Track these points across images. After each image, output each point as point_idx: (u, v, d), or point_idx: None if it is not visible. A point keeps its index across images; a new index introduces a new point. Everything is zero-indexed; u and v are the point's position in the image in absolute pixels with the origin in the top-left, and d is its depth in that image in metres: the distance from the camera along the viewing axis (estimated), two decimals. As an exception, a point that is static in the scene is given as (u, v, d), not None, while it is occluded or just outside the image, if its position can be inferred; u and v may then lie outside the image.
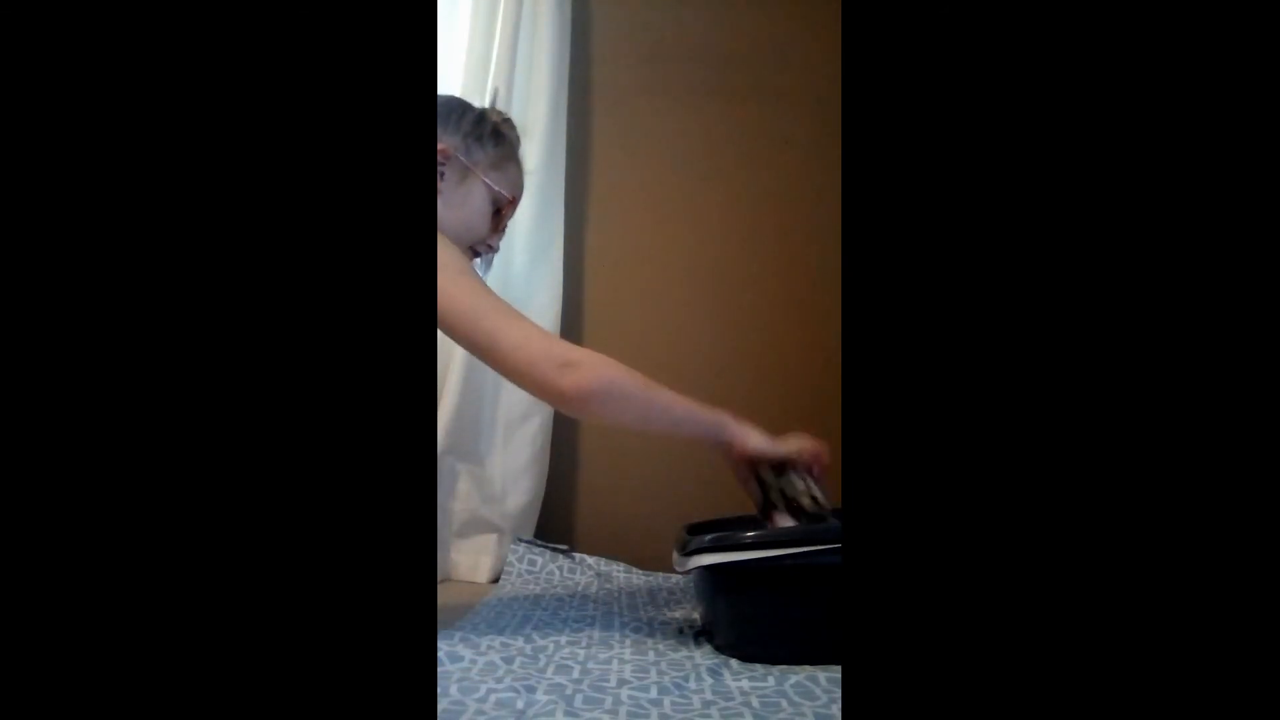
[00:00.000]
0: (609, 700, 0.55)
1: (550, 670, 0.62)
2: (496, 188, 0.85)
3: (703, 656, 0.67)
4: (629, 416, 0.72)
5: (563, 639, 0.72)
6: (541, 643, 0.71)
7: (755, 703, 0.55)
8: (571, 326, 1.25)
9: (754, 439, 0.72)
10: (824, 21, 1.27)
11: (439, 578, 1.10)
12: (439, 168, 0.81)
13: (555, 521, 1.22)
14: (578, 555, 1.14)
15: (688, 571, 0.70)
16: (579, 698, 0.55)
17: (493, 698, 0.55)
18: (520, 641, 0.70)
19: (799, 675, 0.61)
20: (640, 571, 1.12)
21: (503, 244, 0.95)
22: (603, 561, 1.13)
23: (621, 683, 0.59)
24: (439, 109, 0.85)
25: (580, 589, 1.01)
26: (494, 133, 0.86)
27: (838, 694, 0.56)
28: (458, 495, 1.15)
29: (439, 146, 0.81)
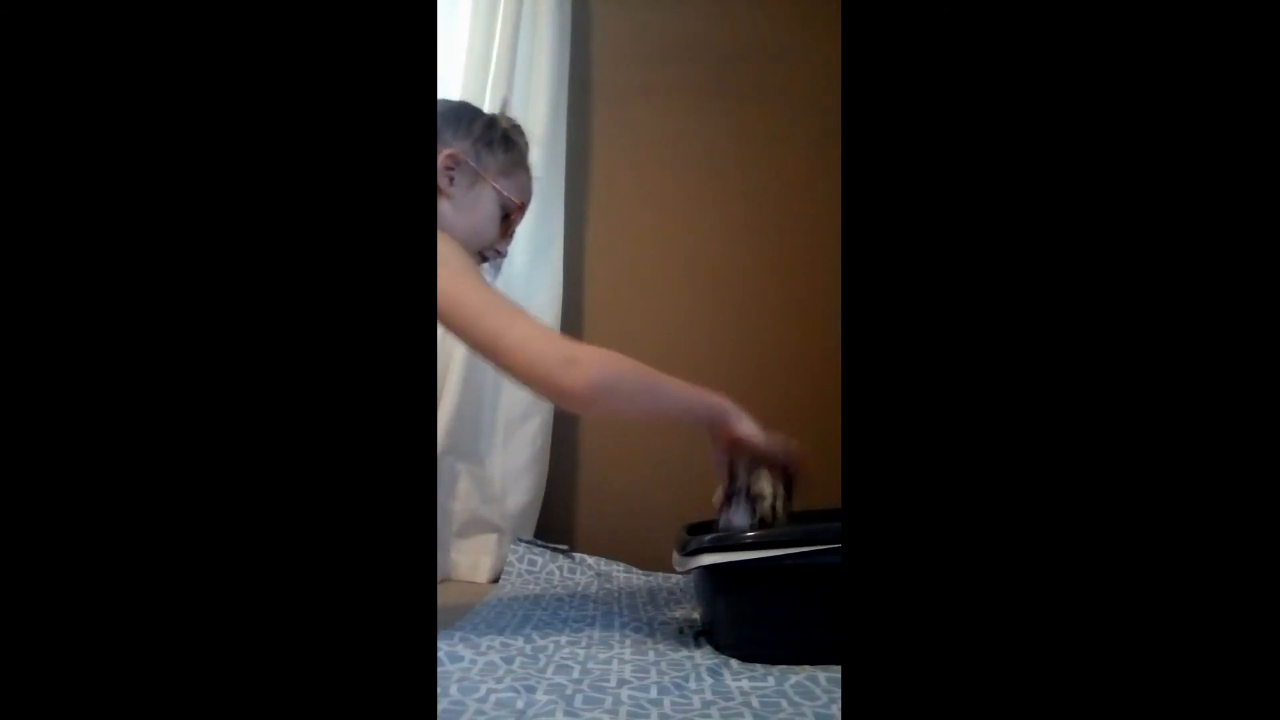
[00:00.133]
0: (609, 700, 0.55)
1: (550, 670, 0.62)
2: (506, 193, 0.85)
3: (703, 656, 0.67)
4: (631, 409, 0.73)
5: (563, 639, 0.72)
6: (541, 643, 0.71)
7: (755, 703, 0.55)
8: (571, 326, 1.25)
9: (744, 425, 0.73)
10: (824, 21, 1.26)
11: (439, 578, 1.10)
12: (449, 172, 0.82)
13: (555, 521, 1.22)
14: (578, 555, 1.14)
15: (688, 571, 0.70)
16: (579, 698, 0.55)
17: (493, 698, 0.55)
18: (520, 641, 0.70)
19: (799, 675, 0.61)
20: (640, 571, 1.12)
21: (503, 244, 0.95)
22: (603, 561, 1.13)
23: (621, 683, 0.59)
24: (451, 114, 0.85)
25: (580, 589, 1.01)
26: (504, 139, 0.87)
27: (838, 694, 0.56)
28: (458, 495, 1.15)
29: (450, 151, 0.82)
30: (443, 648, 0.66)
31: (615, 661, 0.66)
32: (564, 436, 1.23)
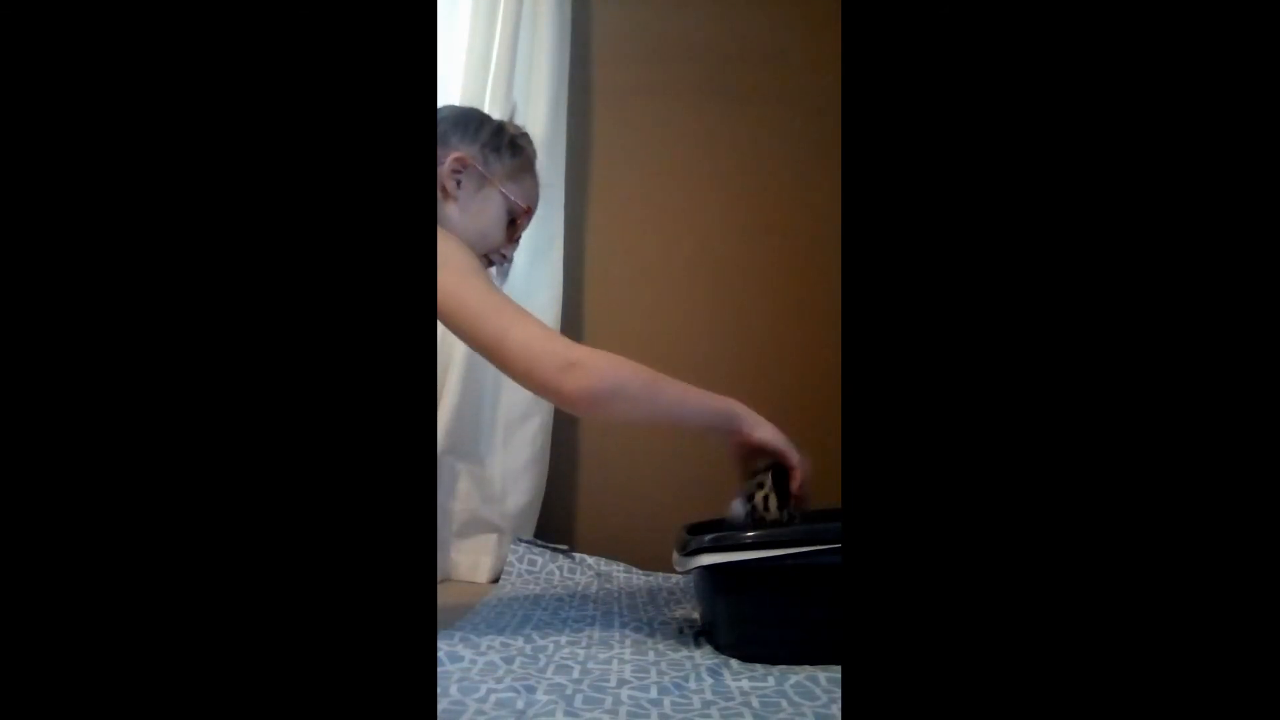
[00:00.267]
0: (609, 700, 0.55)
1: (550, 670, 0.62)
2: (512, 198, 0.86)
3: (703, 656, 0.67)
4: (636, 414, 0.72)
5: (563, 639, 0.72)
6: (541, 643, 0.71)
7: (755, 703, 0.55)
8: (571, 326, 1.25)
9: (762, 429, 0.72)
10: (824, 21, 1.26)
11: (439, 578, 1.10)
12: (456, 176, 0.83)
13: (555, 521, 1.22)
14: (578, 555, 1.14)
15: (688, 571, 0.70)
16: (579, 698, 0.55)
17: (493, 698, 0.55)
18: (520, 641, 0.70)
19: (799, 675, 0.61)
20: (640, 571, 1.12)
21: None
22: (603, 561, 1.13)
23: (621, 683, 0.59)
24: (459, 119, 0.86)
25: (580, 589, 1.01)
26: (511, 144, 0.88)
27: (838, 694, 0.56)
28: (458, 495, 1.15)
29: (458, 155, 0.82)
30: (443, 648, 0.66)
31: (615, 661, 0.66)
32: (564, 436, 1.23)
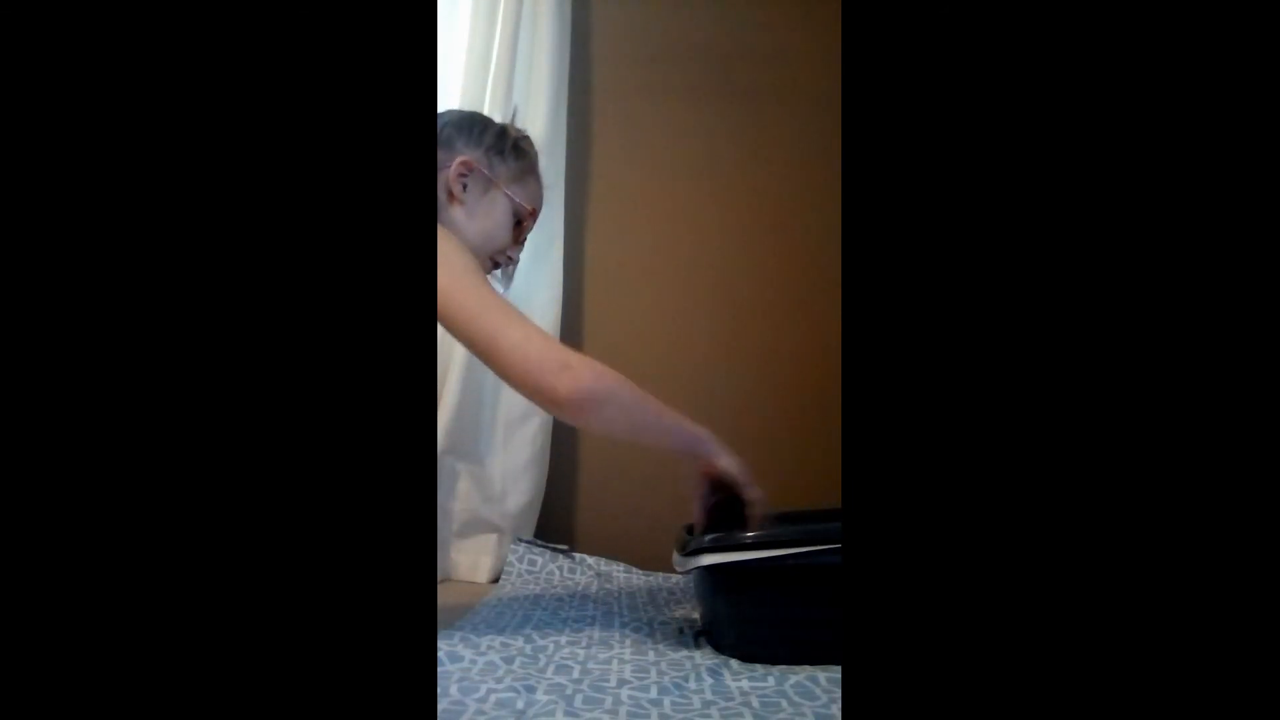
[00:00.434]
0: (609, 700, 0.55)
1: (550, 670, 0.62)
2: (518, 200, 0.87)
3: (703, 656, 0.67)
4: (620, 425, 0.72)
5: (563, 639, 0.72)
6: (541, 643, 0.71)
7: (755, 703, 0.55)
8: (571, 326, 1.25)
9: (724, 459, 0.74)
10: (824, 21, 1.27)
11: (439, 578, 1.10)
12: (462, 179, 0.83)
13: (555, 521, 1.22)
14: (578, 555, 1.14)
15: (688, 571, 0.70)
16: (579, 698, 0.55)
17: (493, 698, 0.55)
18: (520, 641, 0.70)
19: (799, 675, 0.61)
20: (640, 571, 1.12)
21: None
22: (603, 561, 1.13)
23: (621, 683, 0.59)
24: (464, 123, 0.87)
25: (580, 589, 1.01)
26: (514, 147, 0.89)
27: (838, 694, 0.56)
28: (458, 495, 1.15)
29: (463, 159, 0.83)
30: (443, 648, 0.66)
31: (615, 661, 0.66)
32: (564, 436, 1.23)
